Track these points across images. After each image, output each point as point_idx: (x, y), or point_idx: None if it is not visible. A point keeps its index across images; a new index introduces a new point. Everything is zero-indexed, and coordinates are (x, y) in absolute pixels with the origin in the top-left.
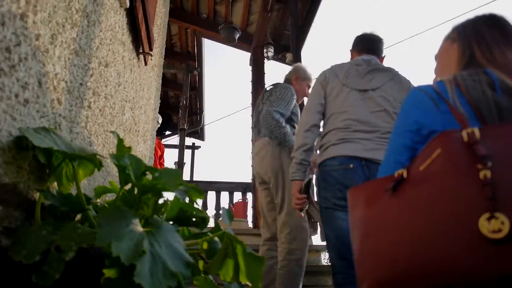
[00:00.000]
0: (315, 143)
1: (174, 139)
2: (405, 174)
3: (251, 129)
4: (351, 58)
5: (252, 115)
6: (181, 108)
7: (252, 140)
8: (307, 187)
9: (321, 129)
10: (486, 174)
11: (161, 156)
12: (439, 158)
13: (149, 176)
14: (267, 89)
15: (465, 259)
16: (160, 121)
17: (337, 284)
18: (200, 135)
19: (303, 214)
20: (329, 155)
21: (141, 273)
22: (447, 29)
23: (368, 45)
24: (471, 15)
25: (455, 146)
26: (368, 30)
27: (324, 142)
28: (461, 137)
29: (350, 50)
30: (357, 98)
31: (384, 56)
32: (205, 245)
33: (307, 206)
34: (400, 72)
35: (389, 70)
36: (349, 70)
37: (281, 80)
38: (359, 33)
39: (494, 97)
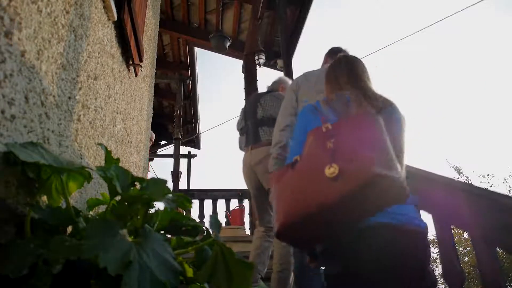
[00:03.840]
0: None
1: (170, 149)
2: (298, 158)
3: (240, 135)
4: (325, 62)
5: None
6: (175, 118)
7: (243, 148)
8: None
9: None
10: (330, 145)
11: None
12: (311, 142)
13: (139, 187)
14: (267, 97)
15: (322, 191)
16: (153, 139)
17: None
18: (195, 143)
19: None
20: None
21: (128, 283)
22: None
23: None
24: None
25: (319, 133)
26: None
27: None
28: (322, 129)
29: (325, 56)
30: None
31: None
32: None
33: None
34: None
35: None
36: (319, 76)
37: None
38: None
39: (348, 107)
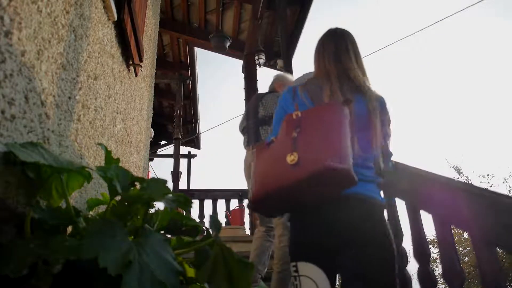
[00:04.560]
0: None
1: (170, 149)
2: (274, 139)
3: (243, 135)
4: None
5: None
6: (175, 118)
7: (247, 147)
8: None
9: None
10: (294, 134)
11: None
12: (283, 128)
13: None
14: (268, 96)
15: (283, 174)
16: (152, 135)
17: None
18: (195, 143)
19: None
20: None
21: (128, 283)
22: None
23: None
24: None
25: (290, 121)
26: None
27: None
28: (293, 116)
29: None
30: None
31: None
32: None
33: None
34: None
35: None
36: None
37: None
38: None
39: (322, 94)
